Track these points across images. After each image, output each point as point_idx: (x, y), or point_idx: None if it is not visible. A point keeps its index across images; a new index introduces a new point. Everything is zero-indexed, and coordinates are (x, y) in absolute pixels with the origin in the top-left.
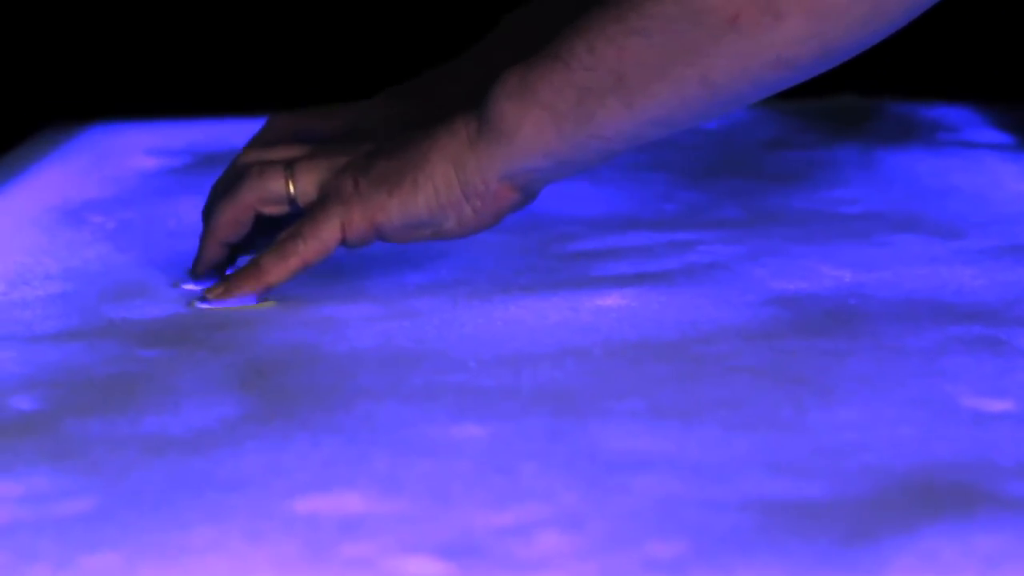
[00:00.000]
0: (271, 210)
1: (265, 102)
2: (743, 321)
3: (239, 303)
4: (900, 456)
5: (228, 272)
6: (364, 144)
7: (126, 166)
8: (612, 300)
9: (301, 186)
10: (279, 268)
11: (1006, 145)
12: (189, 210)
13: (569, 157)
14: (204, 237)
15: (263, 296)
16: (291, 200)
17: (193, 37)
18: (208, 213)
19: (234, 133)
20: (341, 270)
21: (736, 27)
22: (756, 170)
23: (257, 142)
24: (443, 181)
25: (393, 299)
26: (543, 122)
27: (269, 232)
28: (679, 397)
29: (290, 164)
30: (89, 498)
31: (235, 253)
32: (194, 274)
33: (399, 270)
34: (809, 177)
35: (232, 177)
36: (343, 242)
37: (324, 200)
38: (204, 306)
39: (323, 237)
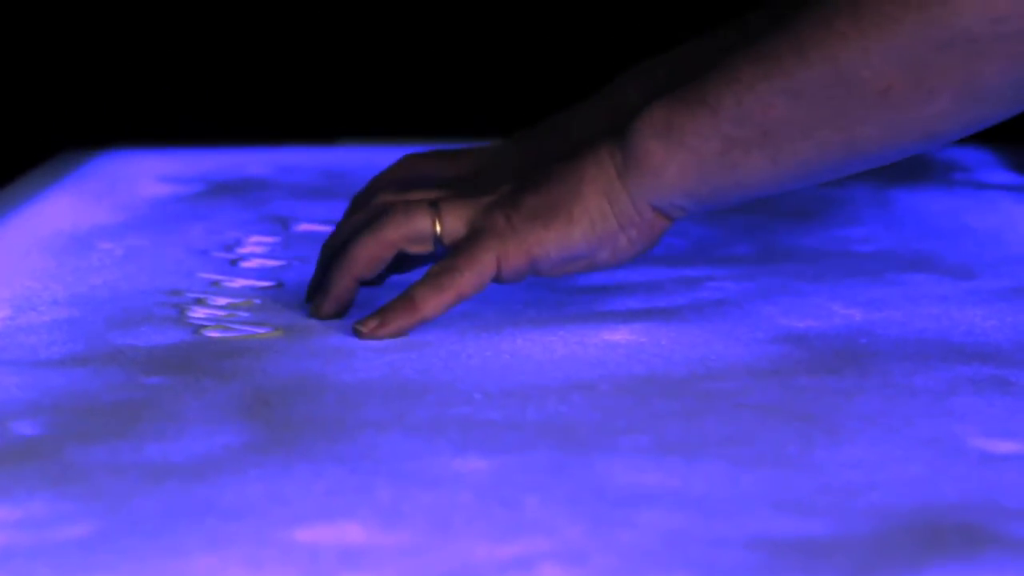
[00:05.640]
0: (415, 249)
1: (277, 132)
2: (752, 358)
3: (246, 332)
4: (906, 495)
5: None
6: (502, 185)
7: (137, 193)
8: (620, 335)
9: (448, 224)
10: (434, 301)
11: (1020, 186)
12: (199, 238)
13: (710, 199)
14: (338, 272)
15: (271, 326)
16: (437, 239)
17: (207, 66)
18: (335, 248)
19: (247, 162)
20: None
21: (886, 99)
22: (768, 207)
23: (385, 179)
24: (598, 213)
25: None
26: (688, 166)
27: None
28: (685, 433)
29: (434, 203)
30: (88, 524)
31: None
32: (318, 309)
33: None
34: (822, 215)
35: (369, 215)
36: (497, 276)
37: (477, 235)
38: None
39: (479, 270)
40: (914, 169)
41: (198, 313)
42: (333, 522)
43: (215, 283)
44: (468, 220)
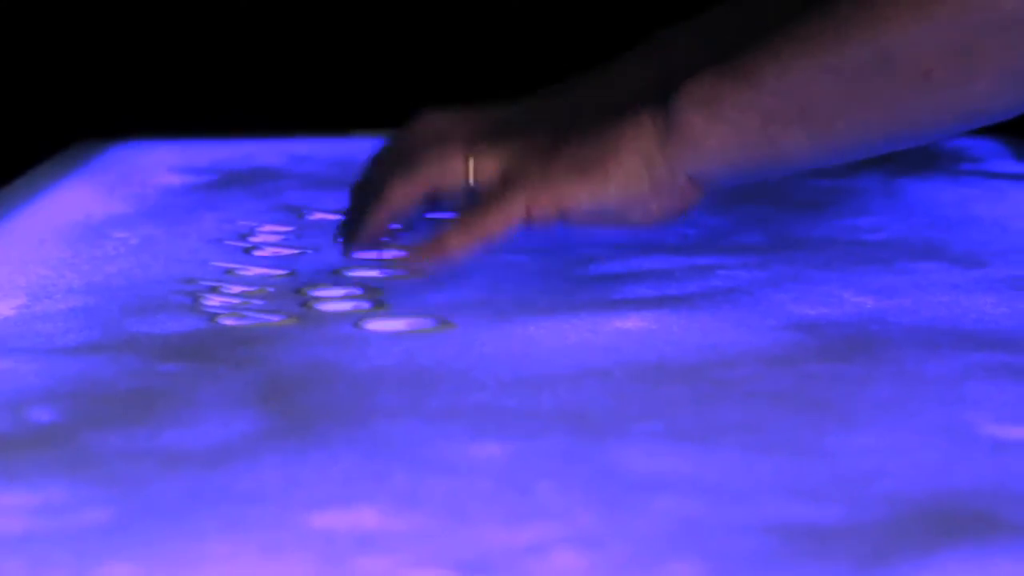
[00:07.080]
0: (447, 189)
1: (290, 123)
2: (764, 345)
3: (260, 320)
4: (919, 482)
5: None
6: (536, 136)
7: (151, 183)
8: (632, 323)
9: (482, 168)
10: (461, 238)
11: None
12: (212, 227)
13: (748, 171)
14: (372, 207)
15: (290, 312)
16: (468, 185)
17: (220, 58)
18: (366, 188)
19: (259, 152)
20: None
21: (927, 81)
22: (779, 197)
23: (407, 135)
24: (634, 174)
25: (414, 318)
26: (728, 138)
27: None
28: (698, 420)
29: (470, 147)
30: (106, 509)
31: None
32: (349, 241)
33: (421, 289)
34: (832, 204)
35: (401, 157)
36: (526, 221)
37: (509, 181)
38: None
39: (508, 211)
40: (923, 159)
41: (212, 301)
42: (349, 507)
43: (229, 271)
44: (501, 167)
